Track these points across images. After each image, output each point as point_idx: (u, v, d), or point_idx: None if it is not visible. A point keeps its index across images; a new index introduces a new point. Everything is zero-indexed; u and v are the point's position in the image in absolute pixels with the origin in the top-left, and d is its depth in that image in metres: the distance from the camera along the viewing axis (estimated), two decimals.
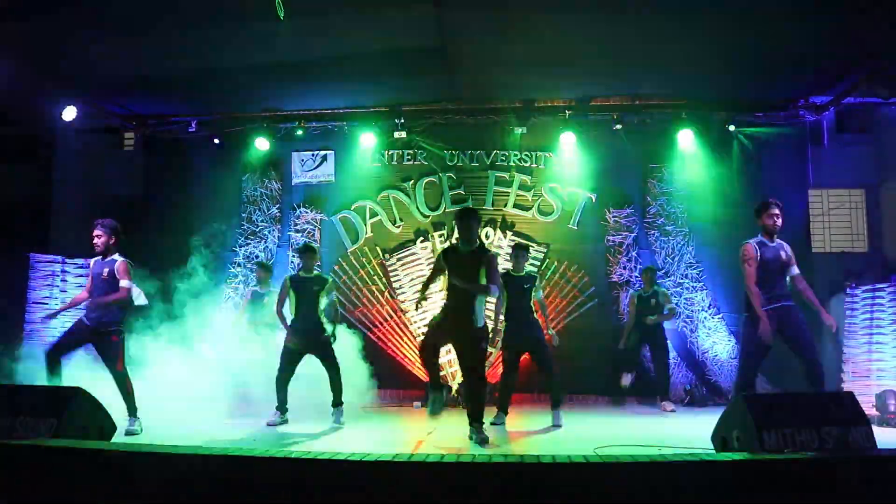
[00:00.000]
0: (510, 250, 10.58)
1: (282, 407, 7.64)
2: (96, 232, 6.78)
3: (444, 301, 6.45)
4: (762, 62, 8.82)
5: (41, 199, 10.89)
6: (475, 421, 6.27)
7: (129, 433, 6.53)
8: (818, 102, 10.28)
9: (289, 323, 7.83)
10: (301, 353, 7.75)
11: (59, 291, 9.17)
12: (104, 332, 6.71)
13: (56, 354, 6.62)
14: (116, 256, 6.82)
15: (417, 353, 6.61)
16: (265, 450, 4.47)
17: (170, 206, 10.87)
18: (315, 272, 8.11)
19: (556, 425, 7.47)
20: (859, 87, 9.49)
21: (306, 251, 8.03)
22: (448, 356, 10.16)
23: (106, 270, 6.77)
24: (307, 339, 7.70)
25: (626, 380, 9.27)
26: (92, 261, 6.92)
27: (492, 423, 7.38)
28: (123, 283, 6.72)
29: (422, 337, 6.71)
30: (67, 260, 9.40)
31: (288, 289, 7.89)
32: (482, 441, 6.13)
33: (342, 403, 7.78)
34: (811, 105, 10.36)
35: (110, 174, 11.12)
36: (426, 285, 6.61)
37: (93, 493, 4.12)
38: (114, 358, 6.70)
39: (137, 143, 11.43)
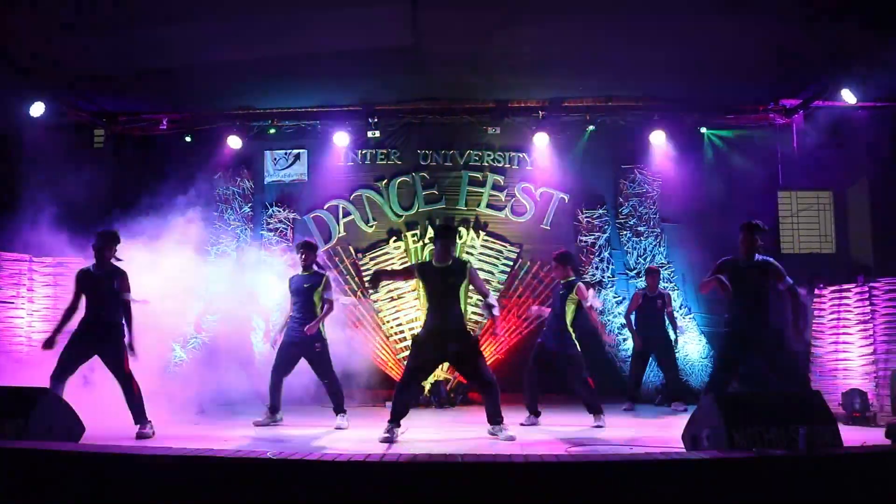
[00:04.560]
0: (483, 251, 10.66)
1: (274, 408, 7.54)
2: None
3: (426, 322, 6.60)
4: (733, 65, 8.90)
5: (8, 197, 10.71)
6: (500, 421, 6.48)
7: (141, 436, 6.44)
8: (788, 106, 10.42)
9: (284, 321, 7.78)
10: (298, 354, 7.61)
11: (27, 291, 9.03)
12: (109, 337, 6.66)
13: (63, 378, 6.47)
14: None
15: (398, 391, 6.54)
16: (234, 451, 4.45)
17: (140, 205, 10.72)
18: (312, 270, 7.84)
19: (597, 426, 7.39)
20: (828, 91, 9.61)
21: (304, 248, 7.78)
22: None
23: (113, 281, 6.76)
24: (302, 340, 7.53)
25: (627, 406, 9.21)
26: (83, 271, 6.81)
27: (521, 424, 7.51)
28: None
29: (406, 376, 6.62)
30: (35, 259, 9.26)
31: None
32: (510, 438, 6.32)
33: (345, 411, 7.57)
34: (781, 108, 10.50)
35: (79, 172, 10.94)
36: (382, 277, 7.18)
37: (61, 494, 4.07)
38: (122, 360, 6.61)
39: (107, 140, 11.29)
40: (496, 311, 6.74)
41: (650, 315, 9.49)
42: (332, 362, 7.65)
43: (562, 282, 7.80)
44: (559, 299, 7.73)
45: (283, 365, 7.61)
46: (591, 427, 7.32)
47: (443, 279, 6.56)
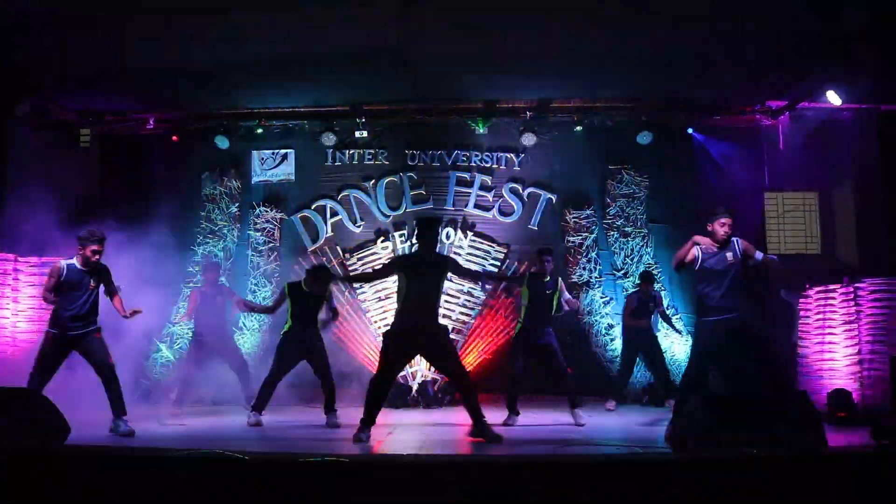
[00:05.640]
0: (470, 251, 10.69)
1: (260, 408, 7.55)
2: (95, 248, 6.60)
3: (403, 312, 6.51)
4: (720, 67, 8.94)
5: None
6: (482, 420, 6.37)
7: (127, 434, 6.39)
8: (774, 107, 10.45)
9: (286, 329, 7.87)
10: (301, 357, 7.75)
11: (11, 290, 8.98)
12: (91, 332, 6.63)
13: (44, 382, 6.43)
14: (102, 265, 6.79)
15: (370, 391, 6.41)
16: (212, 451, 4.43)
17: (126, 205, 10.67)
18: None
19: (579, 424, 7.49)
20: (814, 93, 9.66)
21: (324, 279, 7.88)
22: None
23: (93, 281, 6.66)
24: (304, 345, 7.70)
25: (611, 405, 9.18)
26: (63, 267, 6.62)
27: (504, 424, 7.44)
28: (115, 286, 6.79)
29: (379, 374, 6.50)
30: (20, 258, 9.21)
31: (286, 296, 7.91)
32: (497, 439, 6.24)
33: (336, 410, 7.67)
34: (767, 109, 10.53)
35: (65, 171, 10.89)
36: (369, 278, 7.23)
37: (46, 496, 4.04)
38: (105, 354, 6.64)
39: (94, 140, 11.19)
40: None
41: (643, 317, 9.50)
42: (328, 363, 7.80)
43: (546, 280, 7.90)
44: (549, 298, 7.87)
45: (286, 368, 7.75)
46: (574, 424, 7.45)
47: (434, 270, 6.58)
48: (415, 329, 6.43)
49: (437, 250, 6.78)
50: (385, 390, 6.52)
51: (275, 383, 7.68)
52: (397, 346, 6.46)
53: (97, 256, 6.62)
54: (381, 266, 6.78)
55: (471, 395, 6.44)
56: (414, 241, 6.69)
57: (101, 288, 6.77)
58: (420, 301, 6.50)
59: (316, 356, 7.74)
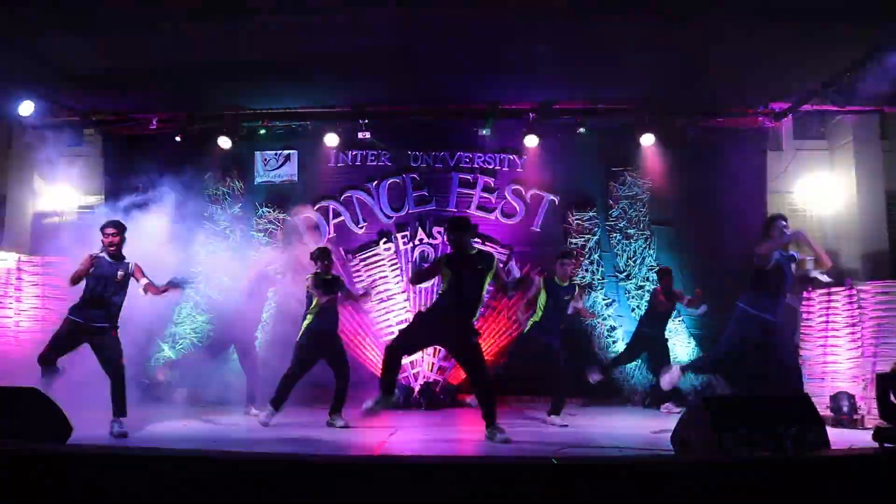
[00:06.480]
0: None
1: (277, 405, 7.44)
2: (110, 230, 6.73)
3: (444, 301, 6.51)
4: (723, 69, 8.93)
5: None
6: (494, 421, 6.36)
7: (119, 435, 6.35)
8: (777, 109, 10.44)
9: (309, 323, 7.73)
10: (317, 356, 7.65)
11: (14, 290, 8.98)
12: (106, 329, 6.68)
13: (52, 358, 6.59)
14: (127, 259, 6.86)
15: (386, 353, 6.47)
16: (216, 451, 4.43)
17: (129, 205, 10.65)
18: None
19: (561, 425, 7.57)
20: (817, 96, 9.64)
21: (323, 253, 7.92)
22: (411, 357, 10.16)
23: (121, 273, 6.76)
24: (326, 342, 7.66)
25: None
26: (91, 259, 6.70)
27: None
28: (144, 280, 6.87)
29: (395, 337, 6.67)
30: (23, 258, 9.23)
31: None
32: (506, 440, 6.23)
33: (341, 411, 7.58)
34: (770, 111, 10.52)
35: (68, 171, 10.93)
36: (422, 278, 6.99)
37: (47, 496, 4.04)
38: (119, 353, 6.66)
39: (96, 140, 11.22)
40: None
41: (664, 315, 9.54)
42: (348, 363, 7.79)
43: (564, 286, 8.04)
44: (566, 305, 8.07)
45: (308, 367, 7.61)
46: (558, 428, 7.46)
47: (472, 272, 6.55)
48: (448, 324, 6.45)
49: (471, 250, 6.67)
50: (402, 356, 6.61)
51: (296, 381, 7.50)
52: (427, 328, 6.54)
53: (111, 240, 6.71)
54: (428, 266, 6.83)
55: (492, 398, 6.46)
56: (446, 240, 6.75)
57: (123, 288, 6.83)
58: (458, 299, 6.48)
59: (337, 354, 7.67)
